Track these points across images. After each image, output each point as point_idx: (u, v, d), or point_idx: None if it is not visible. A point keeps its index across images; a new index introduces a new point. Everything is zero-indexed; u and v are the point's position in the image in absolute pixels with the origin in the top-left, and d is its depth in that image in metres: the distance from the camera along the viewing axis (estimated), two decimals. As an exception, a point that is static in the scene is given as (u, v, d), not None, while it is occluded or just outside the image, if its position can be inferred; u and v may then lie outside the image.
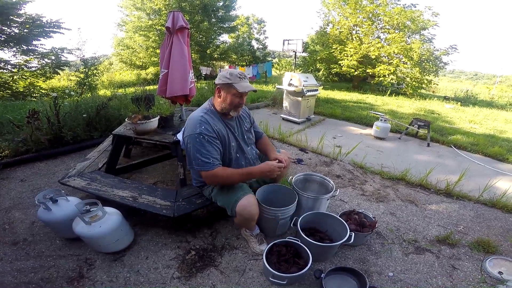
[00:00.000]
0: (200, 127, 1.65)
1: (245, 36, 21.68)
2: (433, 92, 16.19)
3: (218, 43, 17.89)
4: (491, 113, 9.09)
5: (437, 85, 15.08)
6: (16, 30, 7.41)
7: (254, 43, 22.56)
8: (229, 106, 1.73)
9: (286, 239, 1.83)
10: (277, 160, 1.88)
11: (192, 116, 1.75)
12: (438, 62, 12.26)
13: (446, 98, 11.93)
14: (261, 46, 22.92)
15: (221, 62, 18.60)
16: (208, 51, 16.58)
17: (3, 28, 7.15)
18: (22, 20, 7.32)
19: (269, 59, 22.28)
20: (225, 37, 19.79)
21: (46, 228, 2.12)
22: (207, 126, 1.67)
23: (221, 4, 16.48)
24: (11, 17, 6.98)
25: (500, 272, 1.85)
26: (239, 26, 20.65)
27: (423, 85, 12.29)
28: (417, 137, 5.14)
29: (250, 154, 1.97)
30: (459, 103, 11.16)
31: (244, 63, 19.27)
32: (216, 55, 17.20)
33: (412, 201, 2.77)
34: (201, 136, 1.64)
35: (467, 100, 12.46)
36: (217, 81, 1.73)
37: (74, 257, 1.85)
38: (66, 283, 1.65)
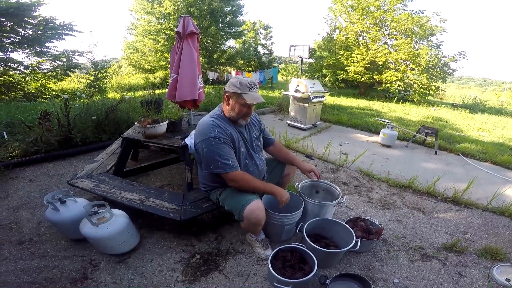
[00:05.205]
0: (213, 131, 1.65)
1: (251, 41, 21.78)
2: (441, 99, 16.00)
3: (225, 48, 18.01)
4: (500, 120, 8.96)
5: (445, 91, 14.91)
6: (30, 32, 7.45)
7: (260, 48, 22.66)
8: (237, 115, 1.73)
9: (292, 245, 1.82)
10: (312, 173, 2.05)
11: (203, 122, 1.74)
12: (446, 69, 12.12)
13: (454, 105, 11.78)
14: (267, 52, 23.01)
15: (228, 67, 18.69)
16: (215, 56, 16.68)
17: (18, 29, 7.21)
18: (36, 22, 7.35)
19: (275, 64, 22.34)
20: (232, 42, 19.89)
21: (53, 228, 2.14)
22: (219, 130, 1.67)
23: (228, 9, 16.65)
24: (26, 18, 7.04)
25: (507, 279, 1.83)
26: (245, 32, 20.74)
27: (430, 92, 12.16)
28: (425, 145, 5.09)
29: (258, 160, 1.97)
30: (459, 108, 11.05)
31: (251, 69, 19.35)
32: (223, 60, 17.28)
33: (419, 209, 2.74)
34: (217, 139, 1.64)
35: (475, 107, 12.28)
36: (227, 88, 1.72)
37: (79, 258, 1.87)
38: (70, 284, 1.67)
